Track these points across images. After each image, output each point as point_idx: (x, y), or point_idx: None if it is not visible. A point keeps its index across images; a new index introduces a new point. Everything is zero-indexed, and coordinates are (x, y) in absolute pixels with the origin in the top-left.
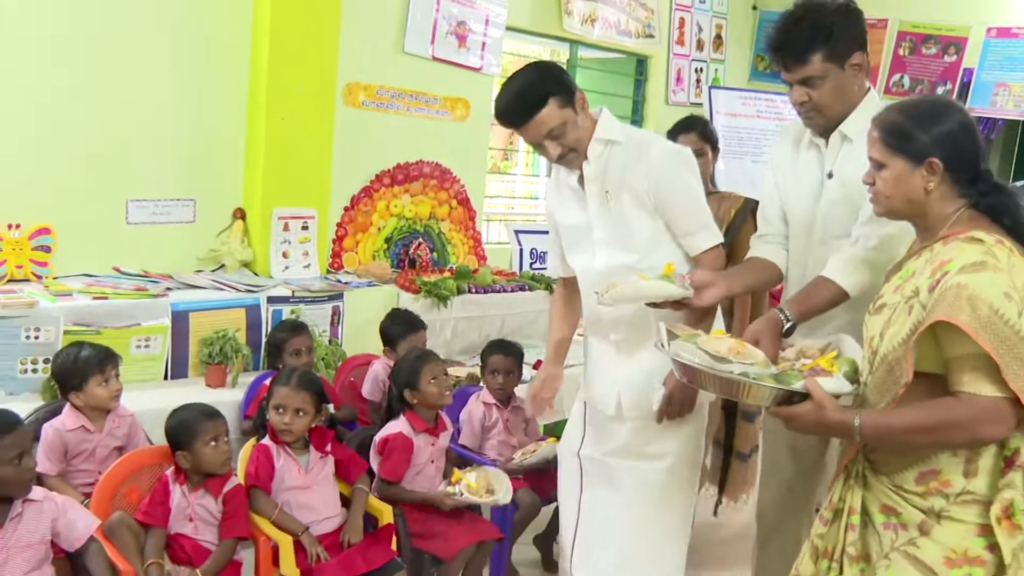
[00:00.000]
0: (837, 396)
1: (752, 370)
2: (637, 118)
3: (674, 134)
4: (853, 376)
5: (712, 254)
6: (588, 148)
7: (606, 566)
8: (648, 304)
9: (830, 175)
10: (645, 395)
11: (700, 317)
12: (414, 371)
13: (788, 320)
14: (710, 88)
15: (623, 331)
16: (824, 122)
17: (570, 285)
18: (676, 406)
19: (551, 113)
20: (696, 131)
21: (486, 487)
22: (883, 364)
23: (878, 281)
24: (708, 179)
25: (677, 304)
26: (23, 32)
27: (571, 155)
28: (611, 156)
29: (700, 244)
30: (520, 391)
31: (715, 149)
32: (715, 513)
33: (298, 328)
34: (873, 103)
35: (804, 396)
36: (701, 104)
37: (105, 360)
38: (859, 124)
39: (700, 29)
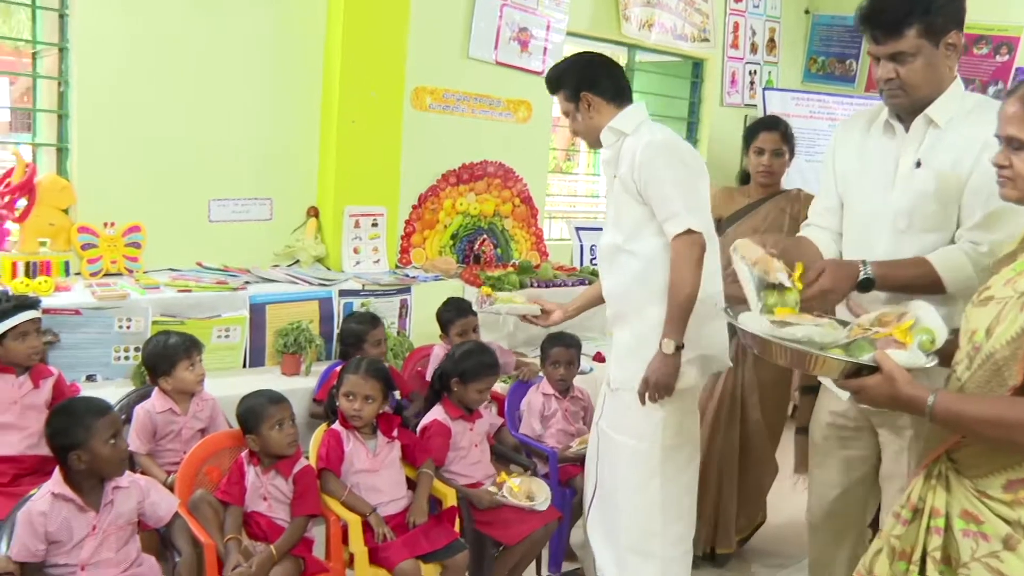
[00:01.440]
0: (910, 369)
1: (820, 332)
2: (693, 119)
3: (755, 131)
4: (930, 348)
5: (680, 240)
6: (602, 135)
7: (610, 530)
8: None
9: (918, 164)
10: (627, 369)
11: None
12: (472, 372)
13: (866, 272)
14: (764, 89)
15: (613, 305)
16: (909, 103)
17: None
18: (652, 389)
19: (561, 100)
20: (779, 131)
21: (527, 493)
22: (988, 362)
23: (976, 287)
24: (781, 179)
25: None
26: (118, 48)
27: (582, 138)
28: (623, 145)
29: (670, 230)
30: (579, 381)
31: (792, 154)
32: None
33: (375, 320)
34: (960, 90)
35: (875, 368)
36: (755, 105)
37: (191, 347)
38: (948, 110)
39: (754, 33)
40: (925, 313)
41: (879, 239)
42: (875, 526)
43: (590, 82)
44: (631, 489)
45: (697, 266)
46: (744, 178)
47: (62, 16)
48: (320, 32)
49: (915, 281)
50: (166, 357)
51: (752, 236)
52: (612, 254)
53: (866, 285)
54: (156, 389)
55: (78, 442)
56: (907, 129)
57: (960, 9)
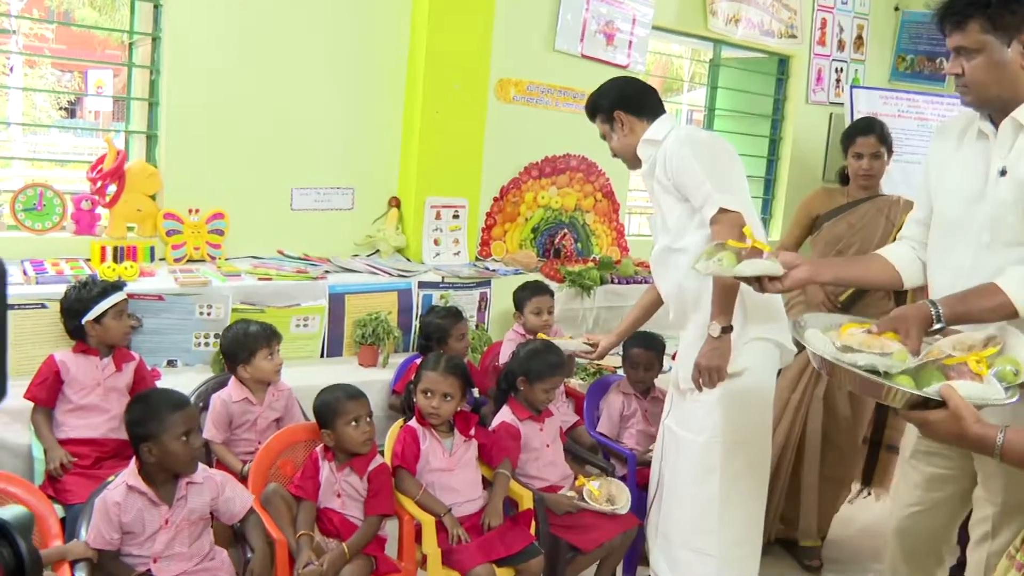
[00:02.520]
0: (982, 406)
1: (884, 362)
2: (777, 116)
3: (852, 136)
4: (1012, 380)
5: (717, 220)
6: (638, 149)
7: (664, 529)
8: (739, 279)
9: (1003, 172)
10: (689, 368)
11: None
12: (538, 372)
13: (939, 318)
14: (851, 87)
15: (673, 306)
16: (976, 102)
17: None
18: (705, 374)
19: (599, 125)
20: (875, 134)
21: (607, 496)
22: None
23: None
24: (881, 179)
25: (763, 282)
26: (207, 38)
27: (619, 157)
28: (657, 154)
29: (707, 214)
30: (660, 382)
31: (890, 152)
32: (850, 501)
33: (459, 315)
34: None
35: (942, 401)
36: (841, 103)
37: (271, 336)
38: None
39: (841, 29)
40: (1017, 341)
41: (962, 253)
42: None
43: (623, 101)
44: (687, 483)
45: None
46: (843, 179)
47: (156, 7)
48: (405, 23)
49: (988, 314)
50: (245, 346)
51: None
52: (664, 257)
53: (938, 330)
54: (233, 378)
55: (150, 435)
56: (996, 134)
57: None
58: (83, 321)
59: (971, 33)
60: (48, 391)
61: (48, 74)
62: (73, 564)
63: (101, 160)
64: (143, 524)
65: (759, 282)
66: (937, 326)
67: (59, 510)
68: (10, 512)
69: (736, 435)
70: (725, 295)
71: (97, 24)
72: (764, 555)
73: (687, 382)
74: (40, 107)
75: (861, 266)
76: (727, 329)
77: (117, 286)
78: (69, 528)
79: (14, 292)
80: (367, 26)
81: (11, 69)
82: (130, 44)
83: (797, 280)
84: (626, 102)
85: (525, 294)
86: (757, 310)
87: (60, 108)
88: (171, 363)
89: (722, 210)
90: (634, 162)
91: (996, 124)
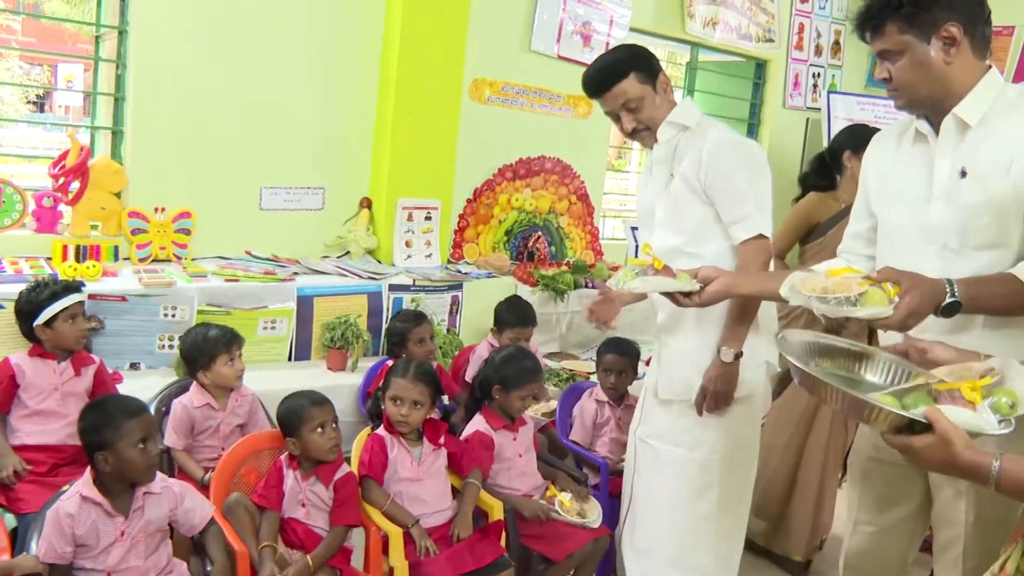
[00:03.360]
0: (974, 434)
1: (841, 307)
2: (754, 121)
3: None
4: (1008, 413)
5: (750, 246)
6: (659, 130)
7: (644, 546)
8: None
9: (963, 173)
10: (681, 379)
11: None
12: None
13: (953, 294)
14: (828, 93)
15: (667, 312)
16: (909, 104)
17: None
18: (711, 400)
19: (631, 85)
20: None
21: (578, 510)
22: None
23: None
24: None
25: (678, 297)
26: (175, 32)
27: (644, 132)
28: (680, 141)
29: (739, 234)
30: (633, 389)
31: None
32: None
33: (419, 317)
34: (996, 83)
35: (929, 426)
36: (819, 108)
37: (231, 341)
38: (980, 107)
39: (819, 34)
40: (1017, 375)
41: (926, 260)
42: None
43: (659, 65)
44: (678, 499)
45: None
46: (822, 185)
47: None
48: (379, 21)
49: (1003, 300)
50: (205, 351)
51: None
52: (671, 257)
53: (950, 309)
54: (194, 383)
55: (105, 442)
56: (937, 133)
57: (958, 1)
58: (33, 324)
59: (890, 36)
60: (2, 396)
61: (15, 67)
62: None
63: (64, 156)
64: (97, 536)
65: (673, 297)
66: (949, 299)
67: (11, 520)
68: None
69: (735, 450)
70: (743, 320)
71: (66, 16)
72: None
73: (671, 392)
74: (7, 101)
75: (775, 278)
76: (739, 355)
77: (71, 288)
78: (21, 538)
79: None
80: (340, 23)
81: None
82: (96, 37)
83: (713, 294)
84: (662, 69)
85: (510, 319)
86: (768, 333)
87: (28, 102)
88: (134, 366)
89: (759, 236)
90: (654, 139)
91: (934, 124)
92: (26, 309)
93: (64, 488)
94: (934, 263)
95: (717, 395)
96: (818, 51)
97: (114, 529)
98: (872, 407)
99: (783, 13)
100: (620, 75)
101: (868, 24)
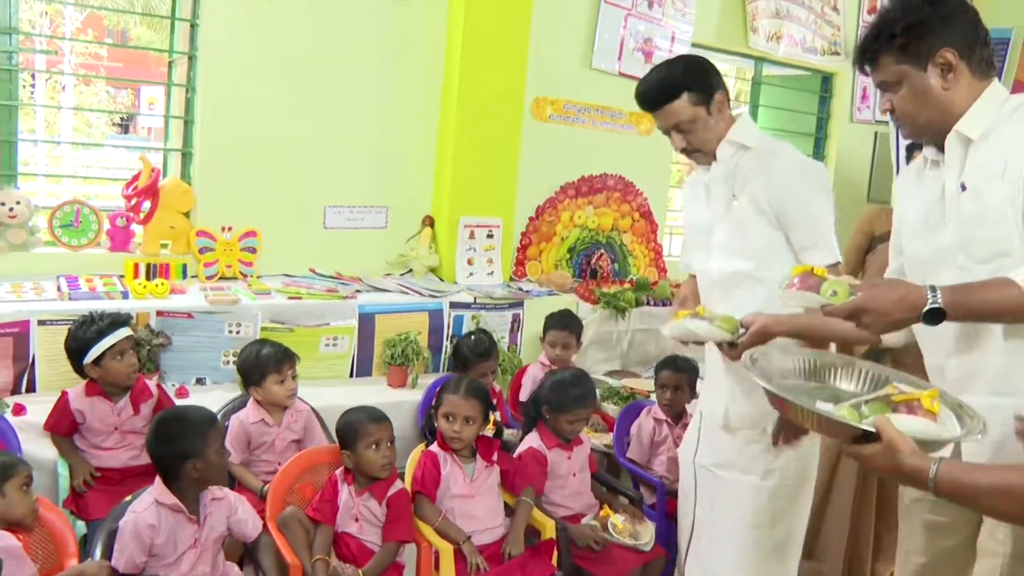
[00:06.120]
0: (931, 443)
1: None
2: (821, 135)
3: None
4: (831, 298)
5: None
6: (718, 149)
7: (715, 573)
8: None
9: (963, 187)
10: (753, 408)
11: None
12: (560, 404)
13: (935, 299)
14: None
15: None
16: (913, 133)
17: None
18: (793, 430)
19: (682, 106)
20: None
21: (631, 531)
22: None
23: None
24: None
25: (730, 346)
26: (242, 56)
27: (696, 153)
28: (741, 160)
29: (814, 260)
30: (692, 407)
31: None
32: None
33: (485, 354)
34: (998, 97)
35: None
36: (887, 122)
37: (283, 360)
38: (982, 122)
39: None
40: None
41: (941, 282)
42: None
43: (719, 81)
44: (753, 528)
45: None
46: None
47: (193, 26)
48: (440, 41)
49: (995, 306)
50: (257, 368)
51: None
52: (735, 282)
53: (932, 315)
54: (251, 399)
55: (194, 451)
56: (943, 153)
57: (948, 26)
58: (83, 364)
59: (886, 67)
60: (66, 428)
61: (101, 91)
62: None
63: (137, 177)
64: (175, 544)
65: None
66: (931, 304)
67: (81, 527)
68: None
69: (805, 476)
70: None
71: (150, 43)
72: None
73: (741, 420)
74: (94, 124)
75: (821, 320)
76: None
77: (117, 322)
78: (89, 544)
79: (47, 308)
80: (401, 44)
81: (63, 87)
82: (170, 63)
83: (753, 335)
84: (722, 85)
85: (549, 323)
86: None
87: (114, 124)
88: (200, 381)
89: (834, 265)
90: (711, 158)
91: (941, 148)
92: (74, 347)
93: (128, 498)
94: (946, 283)
95: (797, 429)
96: None
97: (189, 536)
98: (831, 420)
99: (850, 25)
100: (670, 95)
101: (864, 58)
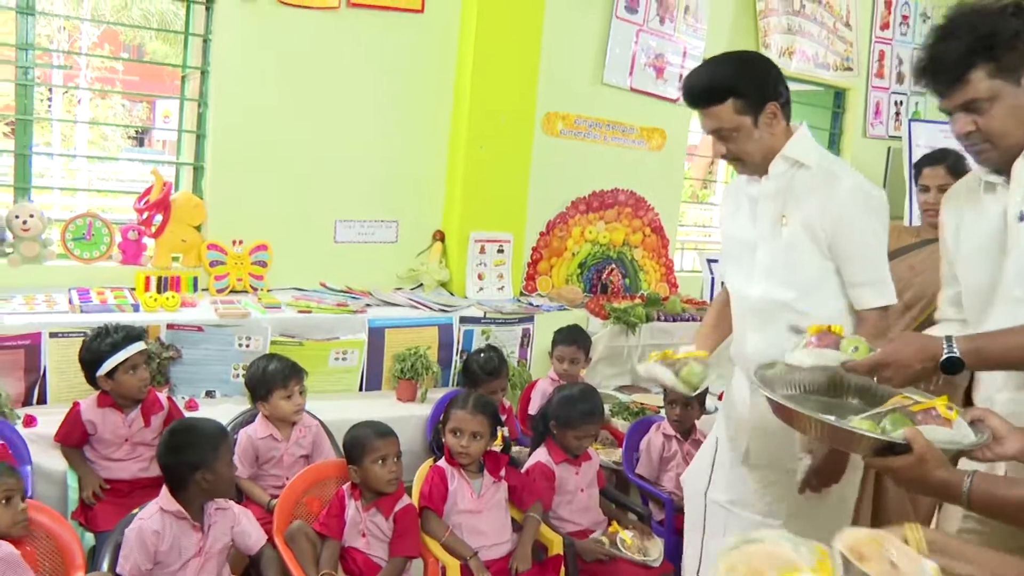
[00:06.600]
0: (951, 451)
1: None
2: (833, 150)
3: (920, 167)
4: (852, 354)
5: (878, 314)
6: (772, 163)
7: None
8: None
9: (1021, 216)
10: (781, 447)
11: None
12: (567, 419)
13: (951, 350)
14: (910, 121)
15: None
16: (1000, 156)
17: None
18: (824, 478)
19: (726, 113)
20: (945, 164)
21: (639, 547)
22: None
23: None
24: None
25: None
26: (254, 71)
27: (736, 162)
28: (795, 178)
29: (867, 299)
30: (702, 423)
31: None
32: None
33: (494, 373)
34: None
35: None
36: (900, 137)
37: (290, 375)
38: None
39: (900, 61)
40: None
41: (997, 317)
42: None
43: (775, 89)
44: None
45: None
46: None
47: (206, 41)
48: (451, 57)
49: (1018, 353)
50: (263, 383)
51: None
52: (773, 310)
53: (950, 365)
54: (259, 413)
55: (205, 462)
56: (1007, 180)
57: None
58: (96, 376)
59: (977, 83)
60: (77, 438)
61: (117, 104)
62: None
63: (148, 191)
64: (179, 552)
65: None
66: (947, 355)
67: (90, 539)
68: None
69: (835, 521)
70: None
71: (165, 57)
72: None
73: (766, 458)
74: (110, 137)
75: None
76: None
77: (131, 336)
78: (97, 556)
79: (59, 320)
80: (413, 59)
81: (79, 101)
82: (183, 77)
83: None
84: (780, 93)
85: (557, 338)
86: None
87: (129, 137)
88: (209, 394)
89: (885, 308)
90: (761, 169)
91: (1003, 172)
92: (87, 358)
93: (135, 511)
94: (999, 315)
95: (831, 475)
96: (900, 78)
97: (194, 544)
98: (853, 434)
99: (862, 41)
100: (715, 99)
101: (946, 75)
